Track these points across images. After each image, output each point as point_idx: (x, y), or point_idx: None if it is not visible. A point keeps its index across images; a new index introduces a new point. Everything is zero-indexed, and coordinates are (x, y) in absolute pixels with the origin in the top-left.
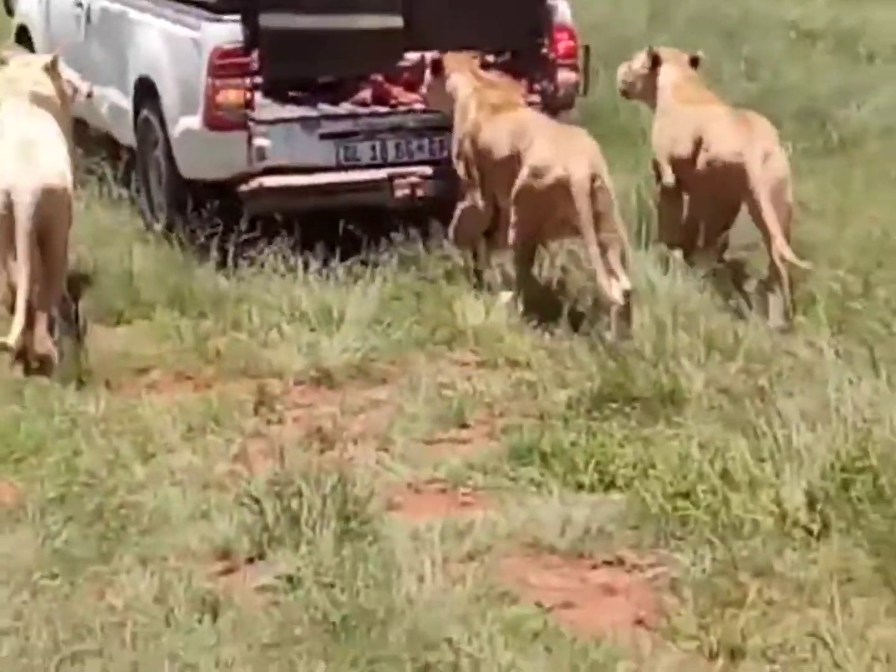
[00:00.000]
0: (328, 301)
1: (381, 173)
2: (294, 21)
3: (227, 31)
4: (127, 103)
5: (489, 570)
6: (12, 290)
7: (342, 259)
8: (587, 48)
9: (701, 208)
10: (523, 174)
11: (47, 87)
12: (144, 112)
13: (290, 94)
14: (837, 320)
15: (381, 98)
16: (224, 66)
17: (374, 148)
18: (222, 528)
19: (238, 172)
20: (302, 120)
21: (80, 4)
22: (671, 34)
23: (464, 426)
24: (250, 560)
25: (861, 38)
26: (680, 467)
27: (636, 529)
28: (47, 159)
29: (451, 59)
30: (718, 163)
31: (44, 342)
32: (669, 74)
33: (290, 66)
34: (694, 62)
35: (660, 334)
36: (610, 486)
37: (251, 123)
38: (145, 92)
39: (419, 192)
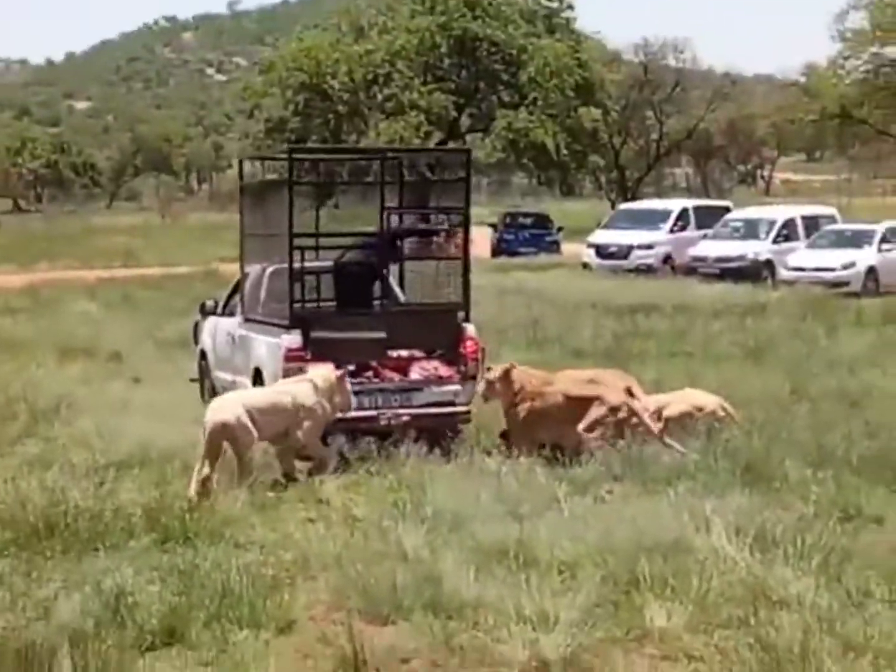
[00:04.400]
0: (546, 606)
1: (374, 413)
2: (328, 334)
3: (292, 339)
4: (249, 382)
5: None
6: None
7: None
8: (483, 349)
9: None
10: None
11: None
12: (257, 385)
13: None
14: None
15: (377, 374)
16: (290, 357)
17: (373, 399)
18: None
19: None
20: None
21: (230, 334)
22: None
23: None
24: None
25: None
26: None
27: None
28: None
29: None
30: None
31: None
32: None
33: (329, 356)
34: None
35: (805, 636)
36: None
37: None
38: (258, 375)
39: (392, 423)
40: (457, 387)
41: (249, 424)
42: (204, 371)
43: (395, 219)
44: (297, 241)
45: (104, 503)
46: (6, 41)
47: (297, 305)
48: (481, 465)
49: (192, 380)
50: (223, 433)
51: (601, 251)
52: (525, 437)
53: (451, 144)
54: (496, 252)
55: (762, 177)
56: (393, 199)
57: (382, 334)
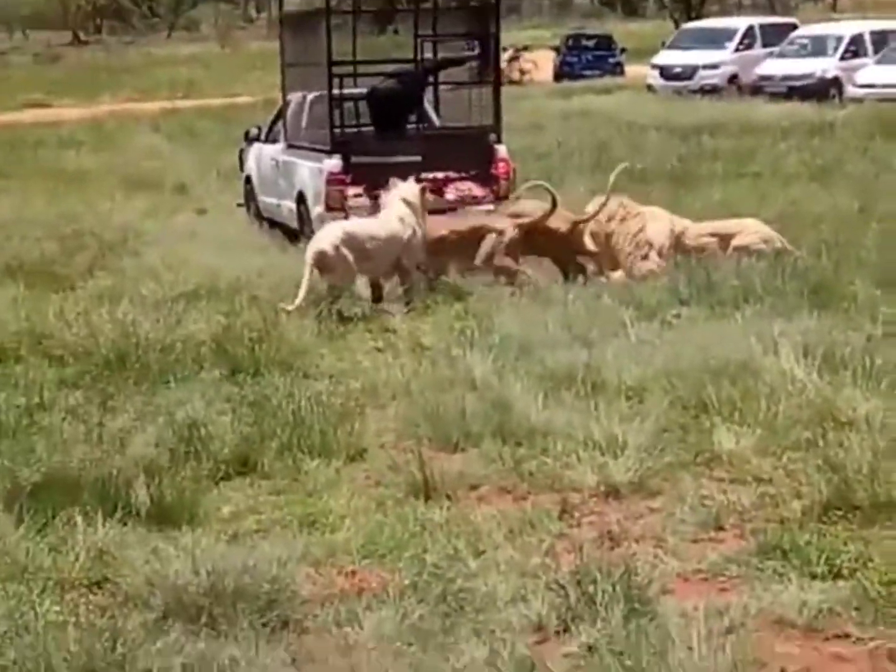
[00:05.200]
0: (614, 431)
1: None
2: (367, 159)
3: (334, 163)
4: (293, 205)
5: (743, 642)
6: None
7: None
8: (514, 169)
9: None
10: None
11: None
12: (301, 208)
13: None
14: None
15: None
16: (332, 180)
17: None
18: (536, 608)
19: None
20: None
21: (273, 159)
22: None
23: (720, 529)
24: (558, 633)
25: None
26: (893, 561)
27: (859, 610)
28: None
29: None
30: None
31: None
32: None
33: (369, 179)
34: None
35: (874, 457)
36: (837, 575)
37: (346, 208)
38: (301, 198)
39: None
40: (490, 206)
41: (349, 255)
42: (249, 195)
43: (428, 46)
44: (335, 70)
45: (174, 335)
46: None
47: (336, 131)
48: (547, 293)
49: (239, 204)
50: (320, 261)
51: (666, 72)
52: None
53: None
54: (559, 75)
55: None
56: (426, 28)
57: (419, 157)
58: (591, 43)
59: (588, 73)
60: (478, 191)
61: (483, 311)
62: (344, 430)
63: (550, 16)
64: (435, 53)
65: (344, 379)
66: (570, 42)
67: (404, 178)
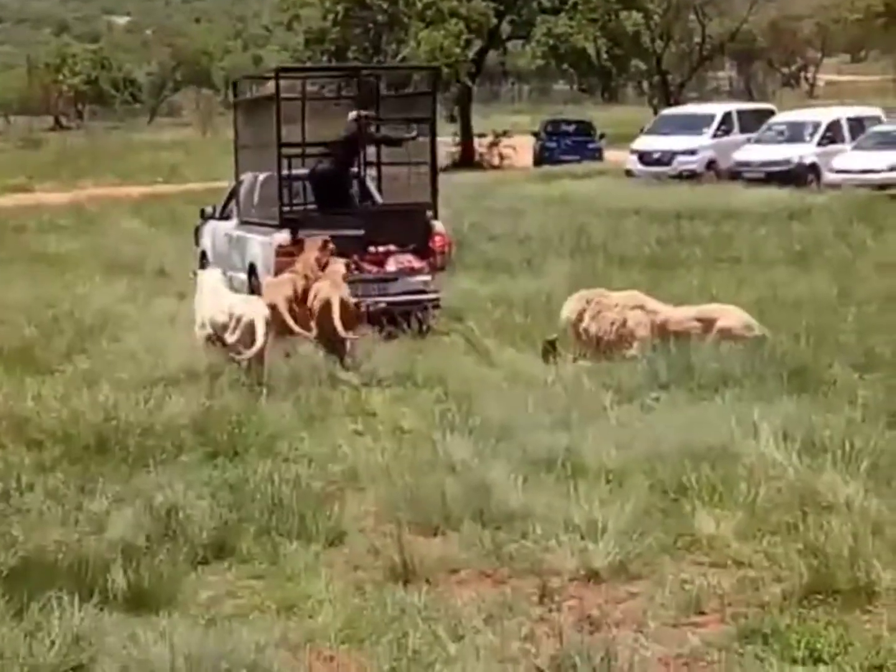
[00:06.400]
0: (594, 515)
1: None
2: (314, 232)
3: (283, 237)
4: (245, 276)
5: None
6: None
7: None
8: (450, 243)
9: None
10: None
11: None
12: (252, 279)
13: None
14: None
15: (358, 266)
16: (281, 253)
17: (355, 289)
18: None
19: None
20: None
21: (227, 234)
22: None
23: (701, 613)
24: None
25: None
26: (873, 646)
27: None
28: None
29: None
30: None
31: None
32: None
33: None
34: None
35: (854, 541)
36: (818, 660)
37: None
38: (252, 269)
39: (372, 309)
40: (427, 277)
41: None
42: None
43: (371, 128)
44: (285, 151)
45: (154, 418)
46: None
47: (286, 208)
48: (528, 375)
49: (194, 274)
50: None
51: (644, 158)
52: None
53: (491, 53)
54: (539, 160)
55: (806, 79)
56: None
57: (362, 231)
58: (570, 128)
59: (567, 158)
60: (416, 263)
61: (463, 394)
62: (323, 514)
63: (530, 101)
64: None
65: (323, 462)
66: (550, 127)
67: (348, 250)
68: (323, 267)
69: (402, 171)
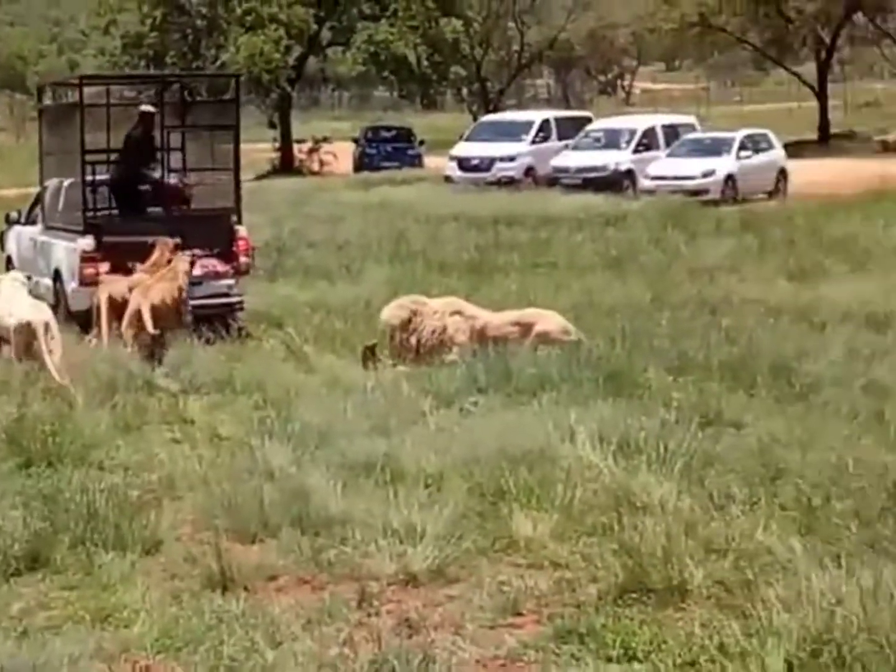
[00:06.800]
0: (413, 519)
1: None
2: (118, 238)
3: (87, 242)
4: (50, 282)
5: None
6: None
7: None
8: (253, 247)
9: None
10: None
11: None
12: (57, 284)
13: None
14: (805, 525)
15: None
16: (85, 258)
17: None
18: None
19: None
20: None
21: (32, 239)
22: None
23: (518, 614)
24: None
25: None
26: (686, 643)
27: None
28: None
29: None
30: None
31: None
32: None
33: (120, 258)
34: None
35: (668, 540)
36: (633, 658)
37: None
38: (57, 275)
39: None
40: (231, 281)
41: None
42: None
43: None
44: (89, 157)
45: None
46: None
47: (90, 213)
48: (347, 380)
49: None
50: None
51: (463, 164)
52: None
53: (311, 59)
54: (359, 167)
55: (622, 87)
56: (174, 120)
57: (167, 236)
58: (390, 135)
59: (387, 164)
60: (220, 266)
61: (282, 400)
62: (139, 523)
63: (350, 108)
64: (183, 143)
65: (140, 471)
66: (370, 134)
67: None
68: (167, 262)
69: (207, 177)
